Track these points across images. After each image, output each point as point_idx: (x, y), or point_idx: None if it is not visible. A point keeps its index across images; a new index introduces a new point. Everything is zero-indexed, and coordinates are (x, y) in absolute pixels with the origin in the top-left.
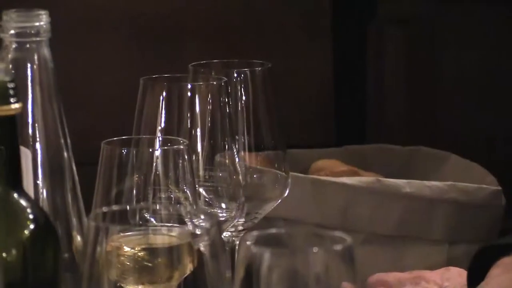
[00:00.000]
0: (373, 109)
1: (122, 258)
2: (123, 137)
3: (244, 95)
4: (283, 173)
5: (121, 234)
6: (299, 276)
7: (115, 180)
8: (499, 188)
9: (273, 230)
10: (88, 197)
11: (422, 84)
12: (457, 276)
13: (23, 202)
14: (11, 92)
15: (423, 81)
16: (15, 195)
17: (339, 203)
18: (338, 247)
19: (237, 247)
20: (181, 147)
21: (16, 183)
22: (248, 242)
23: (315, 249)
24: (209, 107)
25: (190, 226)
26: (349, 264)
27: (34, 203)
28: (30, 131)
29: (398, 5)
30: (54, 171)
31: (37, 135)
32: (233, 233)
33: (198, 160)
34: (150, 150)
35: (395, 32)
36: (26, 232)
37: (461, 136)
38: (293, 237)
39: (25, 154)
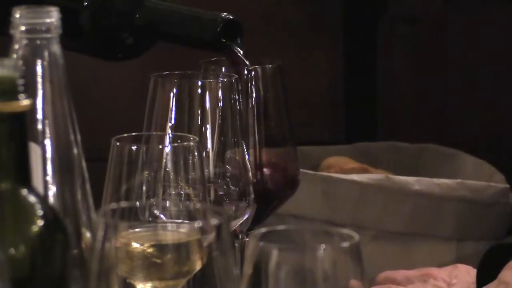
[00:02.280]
0: (383, 106)
1: (131, 254)
2: (134, 133)
3: (255, 92)
4: (293, 170)
5: (130, 230)
6: (307, 273)
7: (125, 176)
8: (508, 186)
9: (282, 227)
10: (98, 193)
11: (432, 82)
12: (465, 273)
13: (32, 199)
14: (21, 88)
15: (432, 79)
16: (24, 191)
17: (349, 200)
18: (346, 244)
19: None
20: (191, 144)
21: (25, 179)
22: (256, 239)
23: (322, 246)
24: (220, 104)
25: (199, 223)
26: (356, 261)
27: (43, 199)
28: (40, 127)
29: (408, 3)
30: (63, 168)
31: (47, 132)
32: (243, 231)
33: (208, 156)
34: (160, 146)
35: (405, 30)
36: (35, 228)
37: (470, 134)
38: (301, 234)
39: (35, 150)
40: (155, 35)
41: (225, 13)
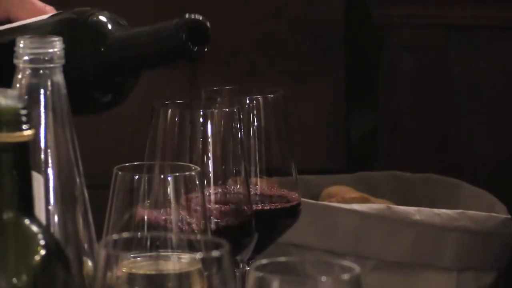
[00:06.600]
0: (385, 135)
1: (133, 284)
2: (135, 163)
3: (256, 122)
4: (295, 199)
5: (132, 259)
6: None
7: (127, 205)
8: (509, 216)
9: (282, 258)
10: (100, 220)
11: (433, 111)
12: None
13: (34, 228)
14: (24, 118)
15: (434, 108)
16: (27, 221)
17: (350, 230)
18: (346, 276)
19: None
20: (193, 173)
21: (27, 209)
22: (257, 270)
23: (323, 278)
24: (221, 133)
25: (200, 253)
26: None
27: (45, 229)
28: (42, 156)
29: (410, 32)
30: (66, 197)
31: (49, 161)
32: (244, 260)
33: (209, 186)
34: (162, 176)
35: (407, 59)
36: (37, 258)
37: (471, 164)
38: (302, 265)
39: (37, 179)
40: (126, 70)
41: (190, 14)
